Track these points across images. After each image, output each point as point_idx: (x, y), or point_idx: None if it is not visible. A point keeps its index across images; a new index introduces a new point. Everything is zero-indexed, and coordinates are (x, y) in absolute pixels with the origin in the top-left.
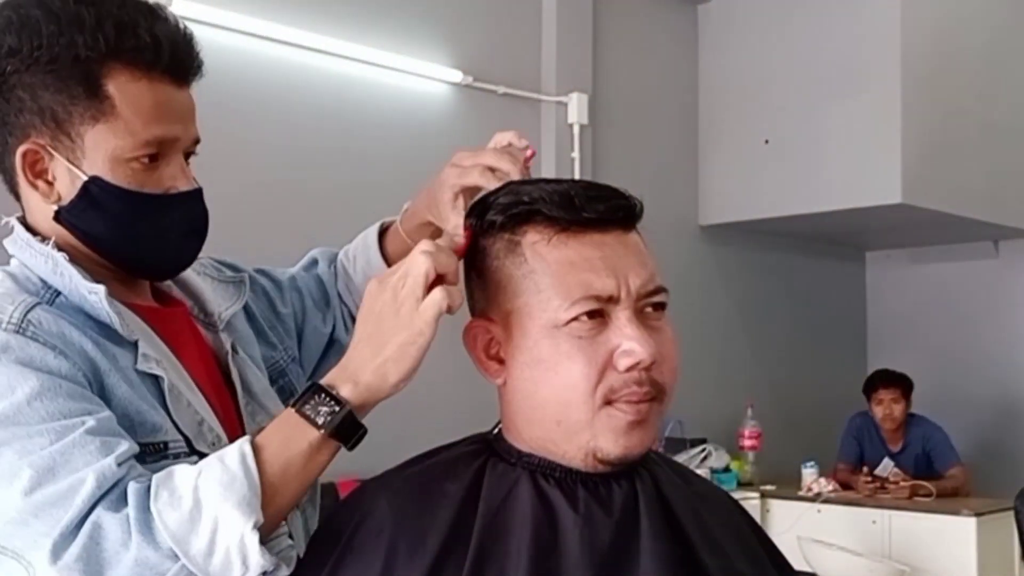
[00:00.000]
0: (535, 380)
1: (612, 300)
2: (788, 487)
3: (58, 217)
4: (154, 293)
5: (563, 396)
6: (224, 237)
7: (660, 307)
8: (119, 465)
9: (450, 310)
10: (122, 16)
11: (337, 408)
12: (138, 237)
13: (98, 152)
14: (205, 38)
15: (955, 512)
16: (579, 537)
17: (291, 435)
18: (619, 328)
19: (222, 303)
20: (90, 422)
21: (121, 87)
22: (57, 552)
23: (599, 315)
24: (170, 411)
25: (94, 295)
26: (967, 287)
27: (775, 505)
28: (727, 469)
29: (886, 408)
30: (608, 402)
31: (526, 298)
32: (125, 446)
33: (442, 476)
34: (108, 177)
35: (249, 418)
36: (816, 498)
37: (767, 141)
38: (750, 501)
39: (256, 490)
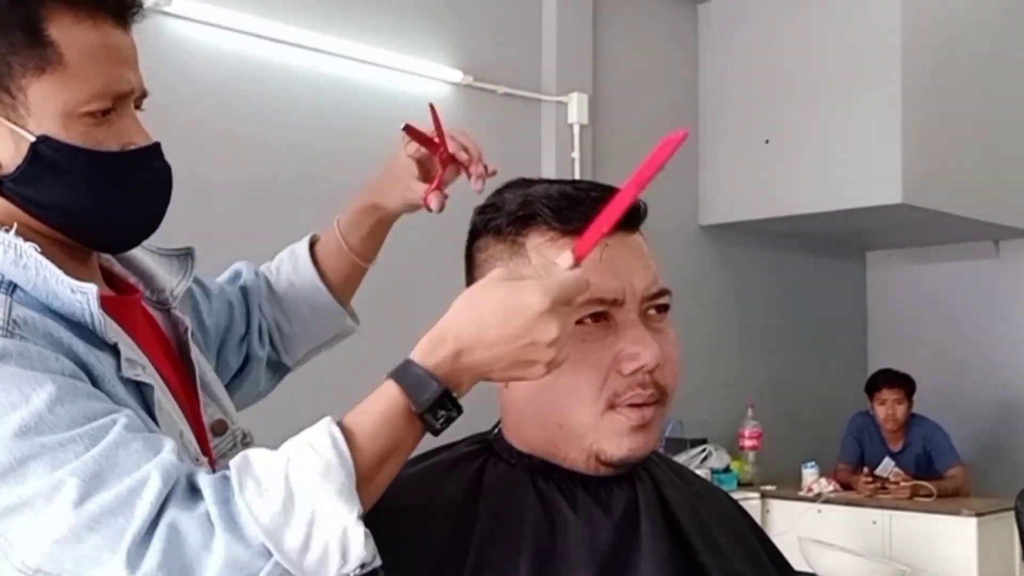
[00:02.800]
0: (538, 383)
1: (616, 303)
2: (788, 487)
3: (0, 190)
4: (104, 276)
5: (566, 399)
6: (221, 237)
7: (663, 309)
8: (178, 459)
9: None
10: None
11: (455, 415)
12: (101, 202)
13: (45, 109)
14: (204, 38)
15: (956, 512)
16: (579, 538)
17: (403, 438)
18: (623, 331)
19: (171, 279)
20: (122, 419)
21: (65, 31)
22: (133, 563)
23: (603, 318)
24: (157, 422)
25: (79, 295)
26: (967, 287)
27: (775, 505)
28: (727, 469)
29: (889, 408)
30: (611, 406)
31: None
32: (169, 441)
33: (442, 477)
34: (60, 136)
35: (203, 408)
36: (816, 498)
37: (767, 141)
38: (750, 501)
39: (354, 478)
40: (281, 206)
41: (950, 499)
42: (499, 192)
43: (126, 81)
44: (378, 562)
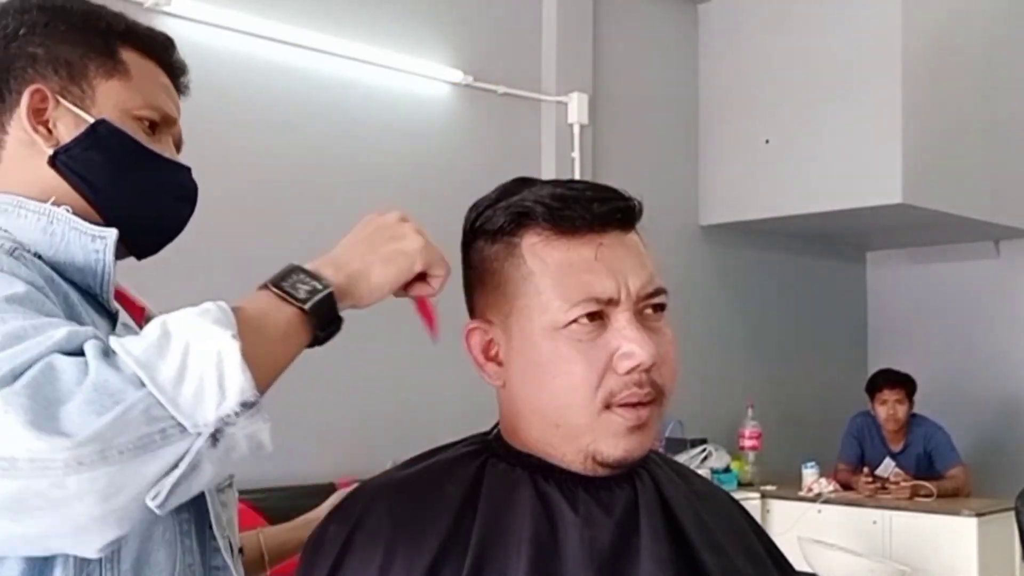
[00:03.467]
0: (534, 383)
1: (612, 302)
2: (788, 487)
3: (54, 162)
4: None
5: (563, 399)
6: (222, 237)
7: (660, 308)
8: (95, 338)
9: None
10: (136, 22)
11: (319, 287)
12: (135, 189)
13: (108, 102)
14: (204, 37)
15: (956, 512)
16: (579, 538)
17: (267, 309)
18: (619, 330)
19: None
20: (70, 325)
21: (133, 60)
22: (1, 383)
23: (599, 317)
24: None
25: (98, 241)
26: (968, 287)
27: (775, 505)
28: (727, 469)
29: (890, 408)
30: (608, 406)
31: (525, 300)
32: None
33: (441, 477)
34: (116, 123)
35: None
36: (816, 498)
37: (767, 141)
38: (750, 501)
39: (232, 320)
40: (281, 206)
41: (950, 499)
42: (495, 192)
43: (173, 111)
44: (260, 401)
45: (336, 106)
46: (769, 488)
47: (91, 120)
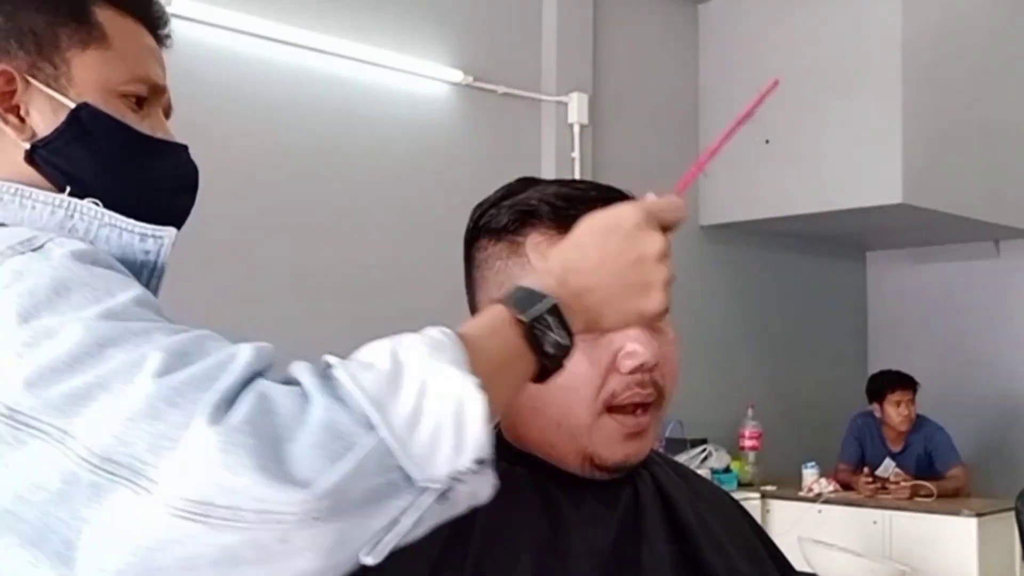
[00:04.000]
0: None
1: None
2: (789, 487)
3: (31, 158)
4: None
5: (565, 398)
6: (222, 237)
7: None
8: (302, 364)
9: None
10: None
11: (566, 343)
12: (128, 180)
13: (87, 79)
14: (204, 38)
15: (956, 512)
16: (581, 537)
17: (510, 355)
18: (621, 331)
19: None
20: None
21: (109, 19)
22: (215, 417)
23: None
24: None
25: (152, 240)
26: (968, 287)
27: (776, 505)
28: (728, 469)
29: (903, 409)
30: (608, 408)
31: None
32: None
33: None
34: (100, 106)
35: None
36: (817, 498)
37: (767, 141)
38: (751, 501)
39: (467, 358)
40: (280, 206)
41: (950, 499)
42: (498, 192)
43: (161, 77)
44: (492, 480)
45: (336, 106)
46: (769, 488)
47: (71, 105)
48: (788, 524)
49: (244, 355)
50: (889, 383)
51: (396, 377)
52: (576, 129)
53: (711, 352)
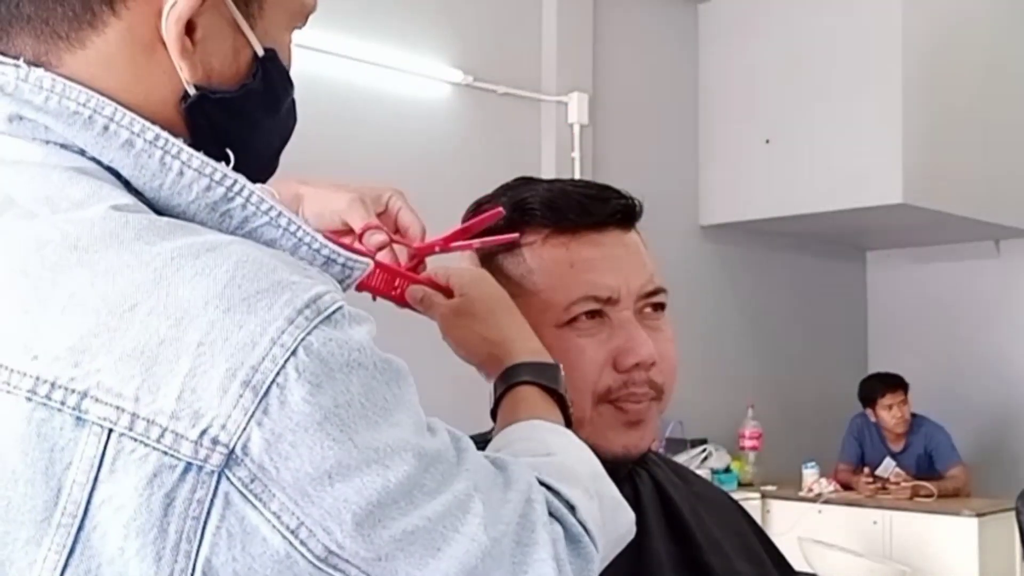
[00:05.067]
0: None
1: (612, 301)
2: (789, 488)
3: (193, 107)
4: None
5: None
6: None
7: (659, 307)
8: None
9: None
10: None
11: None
12: (266, 148)
13: (277, 13)
14: None
15: (956, 513)
16: None
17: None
18: (619, 328)
19: None
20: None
21: None
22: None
23: (599, 315)
24: None
25: (348, 267)
26: (968, 287)
27: (776, 506)
28: (727, 470)
29: (896, 411)
30: (607, 402)
31: (525, 298)
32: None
33: None
34: (282, 54)
35: None
36: (817, 499)
37: (767, 141)
38: (751, 502)
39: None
40: None
41: (951, 499)
42: (496, 191)
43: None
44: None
45: (335, 106)
46: (769, 488)
47: (259, 50)
48: (788, 524)
49: (535, 496)
50: (878, 387)
51: (615, 514)
52: (576, 129)
53: (711, 352)
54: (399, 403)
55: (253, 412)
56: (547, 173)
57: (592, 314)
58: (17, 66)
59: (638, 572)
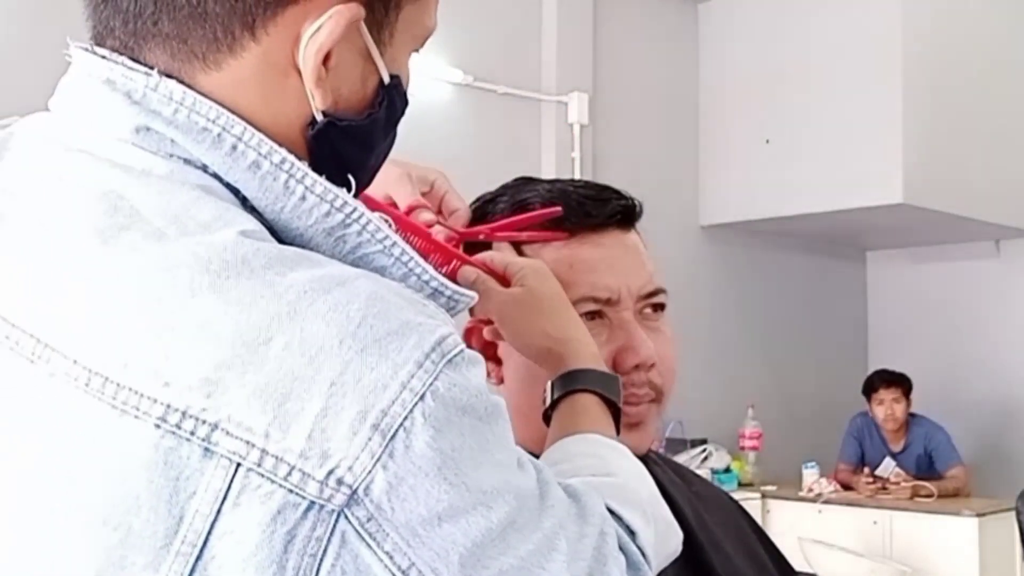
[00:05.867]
0: (531, 380)
1: (611, 302)
2: (789, 488)
3: (319, 134)
4: None
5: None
6: None
7: (659, 308)
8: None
9: None
10: None
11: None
12: (372, 174)
13: (405, 39)
14: None
15: (956, 513)
16: None
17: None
18: (619, 329)
19: None
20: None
21: None
22: None
23: (598, 316)
24: None
25: (448, 302)
26: (968, 287)
27: (776, 506)
28: (728, 470)
29: (887, 408)
30: None
31: None
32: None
33: None
34: (404, 79)
35: None
36: (817, 499)
37: (767, 141)
38: (751, 502)
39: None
40: None
41: (951, 499)
42: (496, 190)
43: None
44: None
45: None
46: (769, 488)
47: (385, 76)
48: (788, 524)
49: (607, 529)
50: (876, 381)
51: (665, 536)
52: (576, 129)
53: (711, 352)
54: (501, 442)
55: (380, 456)
56: (547, 173)
57: (592, 315)
58: (148, 74)
59: None
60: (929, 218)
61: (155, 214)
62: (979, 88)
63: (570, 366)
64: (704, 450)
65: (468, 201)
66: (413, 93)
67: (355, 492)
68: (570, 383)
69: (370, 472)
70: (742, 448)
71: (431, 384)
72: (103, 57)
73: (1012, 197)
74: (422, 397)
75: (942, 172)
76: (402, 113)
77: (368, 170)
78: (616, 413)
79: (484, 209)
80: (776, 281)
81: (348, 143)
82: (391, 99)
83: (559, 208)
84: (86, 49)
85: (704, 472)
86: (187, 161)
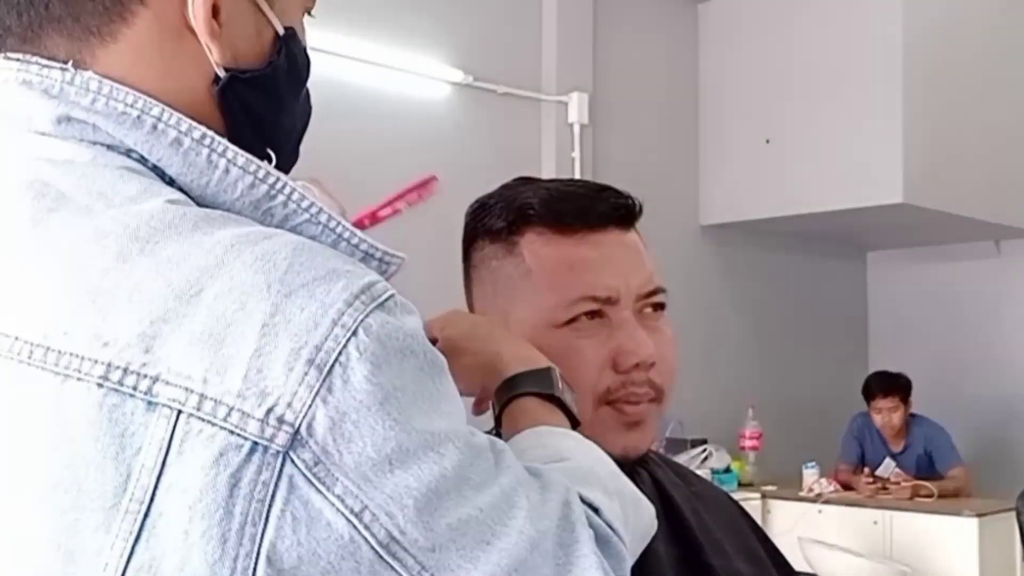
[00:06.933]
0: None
1: (611, 301)
2: (789, 488)
3: (225, 89)
4: None
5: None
6: None
7: (659, 307)
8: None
9: None
10: None
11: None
12: (286, 130)
13: None
14: None
15: (957, 513)
16: None
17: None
18: (619, 329)
19: None
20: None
21: None
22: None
23: (598, 315)
24: None
25: (387, 263)
26: (968, 287)
27: (776, 506)
28: (728, 470)
29: (884, 417)
30: (606, 403)
31: (524, 298)
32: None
33: None
34: (300, 35)
35: None
36: (817, 499)
37: (767, 141)
38: (751, 502)
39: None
40: None
41: (951, 499)
42: (496, 191)
43: None
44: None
45: (335, 106)
46: (769, 488)
47: (279, 28)
48: (788, 524)
49: (572, 498)
50: (872, 388)
51: (631, 514)
52: (576, 129)
53: (711, 352)
54: (446, 394)
55: (318, 390)
56: (547, 173)
57: (592, 314)
58: (64, 69)
59: (639, 573)
60: (929, 218)
61: (81, 193)
62: (979, 88)
63: (497, 380)
64: (704, 450)
65: (468, 202)
66: (411, 92)
67: (298, 431)
68: (504, 393)
69: (309, 407)
70: (742, 448)
71: (362, 320)
72: (16, 59)
73: (1012, 197)
74: (354, 332)
75: (942, 172)
76: (306, 69)
77: (285, 129)
78: (560, 403)
79: (482, 217)
80: (776, 281)
81: (256, 95)
82: (289, 49)
83: (433, 175)
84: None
85: (704, 472)
86: (110, 147)
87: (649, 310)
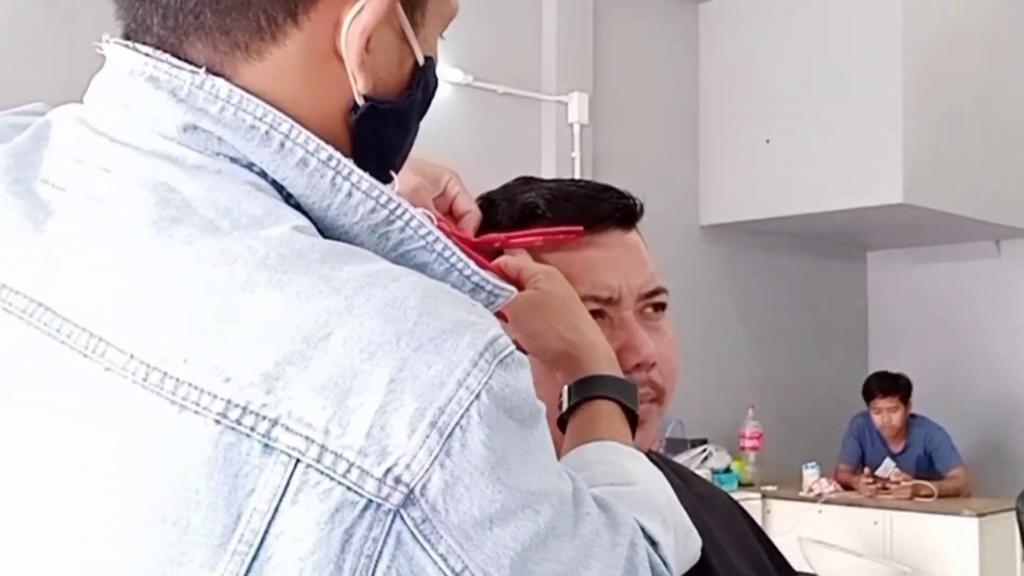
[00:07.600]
0: (535, 380)
1: (612, 301)
2: (789, 488)
3: (362, 119)
4: None
5: (561, 397)
6: None
7: (660, 308)
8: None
9: None
10: None
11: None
12: (401, 161)
13: (435, 20)
14: None
15: (957, 513)
16: None
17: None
18: (620, 329)
19: None
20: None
21: None
22: None
23: (599, 316)
24: None
25: (488, 296)
26: (969, 287)
27: (776, 506)
28: (728, 470)
29: (884, 418)
30: None
31: None
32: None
33: None
34: (435, 59)
35: None
36: (817, 499)
37: (768, 141)
38: (751, 502)
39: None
40: None
41: (951, 499)
42: (497, 190)
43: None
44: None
45: None
46: (770, 488)
47: (420, 58)
48: (788, 524)
49: (637, 539)
50: (872, 389)
51: (684, 544)
52: (576, 129)
53: (711, 352)
54: (543, 446)
55: (438, 454)
56: (547, 173)
57: (593, 314)
58: (194, 72)
59: None
60: (929, 218)
61: (206, 207)
62: (979, 88)
63: (587, 371)
64: (704, 450)
65: None
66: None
67: (412, 491)
68: (587, 389)
69: (428, 470)
70: (742, 448)
71: (486, 383)
72: (146, 54)
73: (1012, 197)
74: (478, 396)
75: (942, 172)
76: (434, 97)
77: (405, 154)
78: (633, 420)
79: (483, 209)
80: (776, 281)
81: (388, 127)
82: (426, 81)
83: (580, 228)
84: (126, 46)
85: (704, 472)
86: (233, 159)
87: (650, 310)
